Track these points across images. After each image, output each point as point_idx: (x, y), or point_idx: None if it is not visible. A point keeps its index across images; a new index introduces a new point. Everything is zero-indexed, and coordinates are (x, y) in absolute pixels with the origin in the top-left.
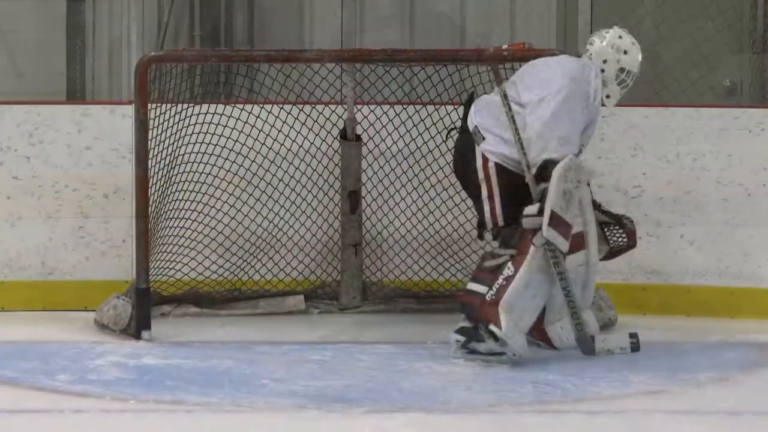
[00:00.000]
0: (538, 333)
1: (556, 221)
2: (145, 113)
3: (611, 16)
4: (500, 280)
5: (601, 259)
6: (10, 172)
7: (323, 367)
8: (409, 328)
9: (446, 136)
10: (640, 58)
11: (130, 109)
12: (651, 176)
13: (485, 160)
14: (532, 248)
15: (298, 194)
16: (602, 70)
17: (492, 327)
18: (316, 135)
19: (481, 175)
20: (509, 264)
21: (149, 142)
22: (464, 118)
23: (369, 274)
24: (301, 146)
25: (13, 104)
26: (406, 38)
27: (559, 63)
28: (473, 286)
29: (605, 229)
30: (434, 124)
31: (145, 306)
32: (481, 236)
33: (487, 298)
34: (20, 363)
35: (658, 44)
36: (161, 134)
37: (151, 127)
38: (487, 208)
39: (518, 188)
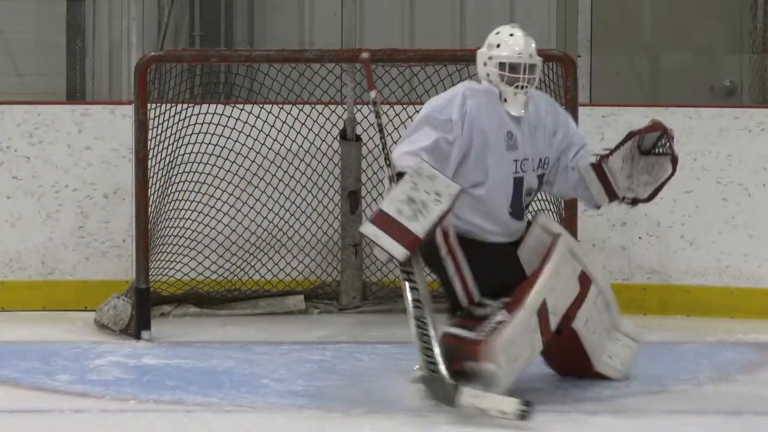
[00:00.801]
0: (593, 375)
1: (385, 221)
2: (145, 113)
3: (611, 16)
4: (493, 323)
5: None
6: (10, 172)
7: (323, 367)
8: (409, 328)
9: None
10: (521, 46)
11: (130, 109)
12: None
13: (445, 233)
14: (529, 301)
15: (298, 194)
16: (487, 75)
17: (487, 364)
18: (316, 135)
19: (443, 251)
20: (502, 310)
21: (149, 142)
22: None
23: (369, 274)
24: (301, 146)
25: (13, 104)
26: (406, 38)
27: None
28: (456, 331)
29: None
30: None
31: (145, 306)
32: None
33: (476, 338)
34: (20, 363)
35: (658, 44)
36: (161, 134)
37: (151, 127)
38: (458, 286)
39: (489, 254)
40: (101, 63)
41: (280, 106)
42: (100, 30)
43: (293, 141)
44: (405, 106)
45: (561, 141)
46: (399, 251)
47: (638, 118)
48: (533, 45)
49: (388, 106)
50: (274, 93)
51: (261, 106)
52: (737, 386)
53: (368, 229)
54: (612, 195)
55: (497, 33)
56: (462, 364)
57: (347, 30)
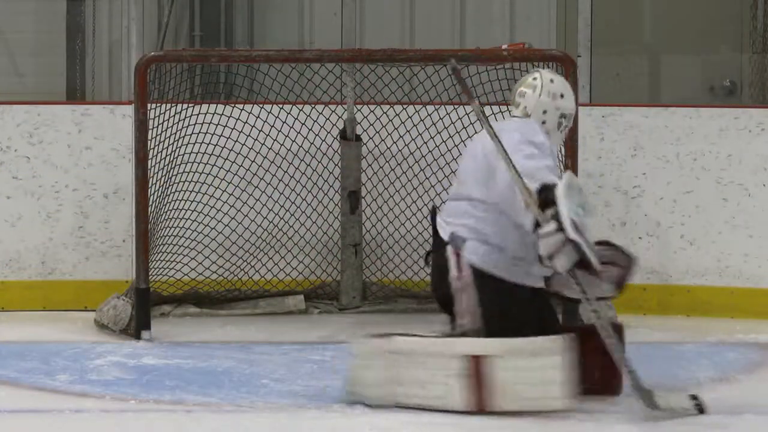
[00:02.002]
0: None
1: (579, 229)
2: (145, 113)
3: (611, 16)
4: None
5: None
6: (10, 172)
7: (323, 367)
8: (409, 328)
9: (425, 261)
10: (574, 97)
11: (130, 109)
12: (651, 176)
13: (460, 268)
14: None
15: (298, 194)
16: (543, 122)
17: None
18: (316, 135)
19: (456, 285)
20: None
21: (149, 142)
22: (435, 234)
23: (369, 274)
24: (301, 146)
25: (13, 104)
26: (406, 38)
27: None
28: None
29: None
30: (434, 124)
31: (145, 306)
32: None
33: None
34: (20, 363)
35: (658, 44)
36: (161, 134)
37: (151, 127)
38: (467, 319)
39: (502, 297)
40: (101, 63)
41: (280, 106)
42: (100, 30)
43: (293, 141)
44: (405, 106)
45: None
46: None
47: (638, 118)
48: None
49: (388, 106)
50: (274, 93)
51: (261, 106)
52: (737, 386)
53: (578, 275)
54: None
55: (552, 81)
56: None
57: (347, 30)
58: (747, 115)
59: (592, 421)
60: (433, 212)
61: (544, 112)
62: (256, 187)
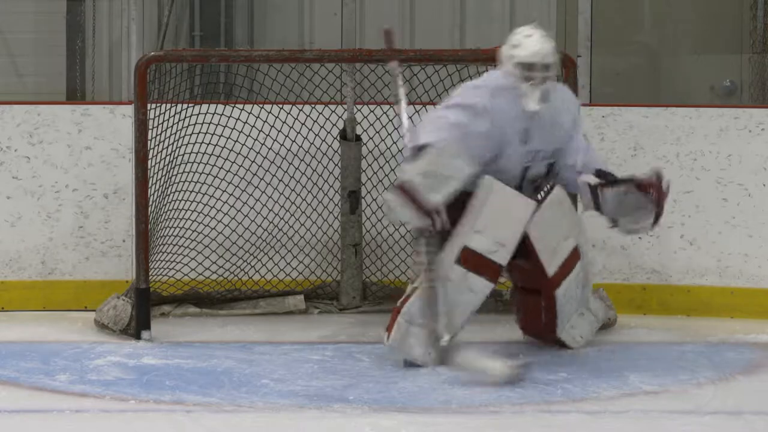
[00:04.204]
0: (551, 341)
1: (407, 191)
2: (145, 113)
3: (611, 16)
4: (408, 290)
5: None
6: (10, 172)
7: (323, 367)
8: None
9: None
10: (537, 47)
11: (130, 109)
12: None
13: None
14: (444, 256)
15: (298, 194)
16: (508, 72)
17: (384, 335)
18: (316, 135)
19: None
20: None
21: (149, 142)
22: None
23: (369, 274)
24: (301, 146)
25: (13, 104)
26: (406, 38)
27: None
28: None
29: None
30: None
31: (145, 306)
32: None
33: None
34: (20, 363)
35: (658, 44)
36: (161, 134)
37: (151, 127)
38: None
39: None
40: (101, 63)
41: (280, 106)
42: (100, 30)
43: (293, 141)
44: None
45: (573, 137)
46: (419, 220)
47: (638, 118)
48: (549, 44)
49: (388, 106)
50: (274, 93)
51: (261, 106)
52: (737, 386)
53: (390, 198)
54: (598, 211)
55: (517, 33)
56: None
57: (347, 30)
58: (747, 115)
59: (592, 420)
60: None
61: (506, 62)
62: (256, 187)
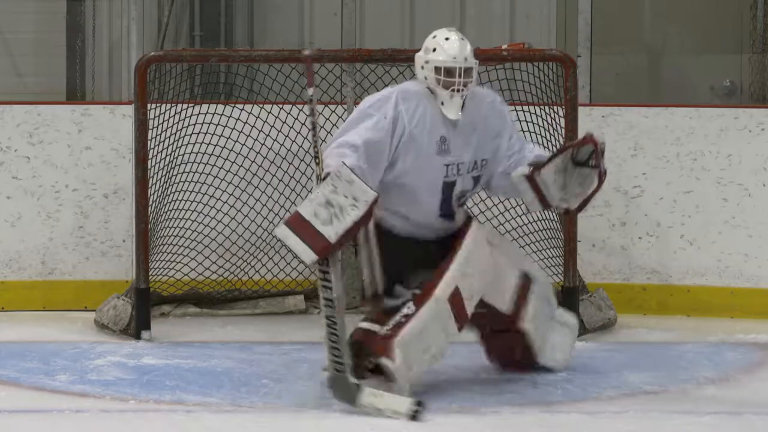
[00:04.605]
0: (536, 368)
1: (300, 224)
2: (145, 113)
3: (611, 16)
4: (398, 317)
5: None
6: (10, 172)
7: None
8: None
9: None
10: (455, 50)
11: (130, 109)
12: (651, 176)
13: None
14: (439, 291)
15: (298, 194)
16: (425, 78)
17: (384, 360)
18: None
19: (361, 237)
20: (410, 303)
21: (149, 142)
22: None
23: None
24: (301, 146)
25: (13, 104)
26: (406, 38)
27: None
28: (365, 326)
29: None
30: None
31: (145, 306)
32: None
33: (381, 332)
34: (20, 363)
35: (658, 44)
36: (161, 134)
37: (151, 127)
38: (366, 273)
39: (404, 248)
40: (101, 63)
41: (280, 106)
42: (100, 30)
43: (293, 141)
44: None
45: (501, 144)
46: (308, 255)
47: (638, 118)
48: (469, 48)
49: None
50: (274, 93)
51: (261, 106)
52: (737, 386)
53: (280, 231)
54: (545, 204)
55: (434, 37)
56: (367, 359)
57: (347, 30)
58: (747, 115)
59: (592, 420)
60: None
61: (422, 67)
62: (256, 187)
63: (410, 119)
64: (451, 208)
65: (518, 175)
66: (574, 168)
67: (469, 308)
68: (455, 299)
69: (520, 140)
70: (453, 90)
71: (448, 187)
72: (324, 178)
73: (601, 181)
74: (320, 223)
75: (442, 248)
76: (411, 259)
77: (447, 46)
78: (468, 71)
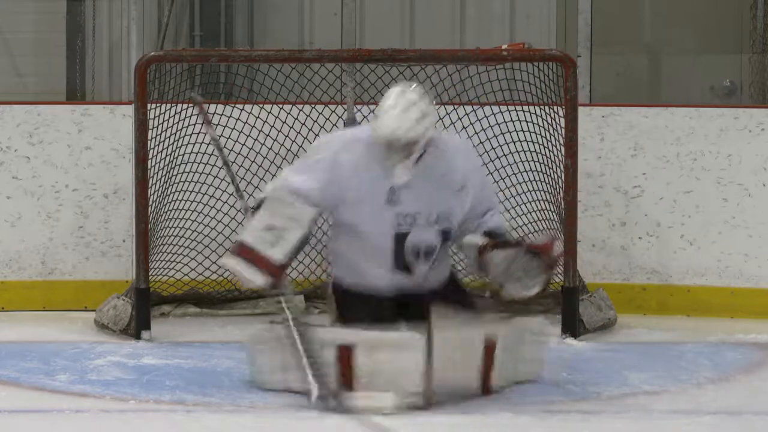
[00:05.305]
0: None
1: (246, 252)
2: (145, 113)
3: (611, 16)
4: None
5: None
6: (10, 172)
7: None
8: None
9: None
10: (394, 124)
11: (130, 109)
12: (651, 176)
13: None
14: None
15: None
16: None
17: None
18: (316, 135)
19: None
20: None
21: (149, 142)
22: None
23: None
24: (301, 146)
25: (13, 104)
26: (406, 38)
27: None
28: None
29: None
30: (434, 124)
31: (144, 306)
32: None
33: None
34: (20, 363)
35: (658, 44)
36: (161, 134)
37: (151, 127)
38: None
39: (356, 308)
40: (101, 63)
41: (280, 106)
42: (100, 30)
43: (293, 141)
44: None
45: (465, 200)
46: (262, 280)
47: (638, 118)
48: (414, 116)
49: None
50: (274, 93)
51: (261, 106)
52: (737, 386)
53: (229, 261)
54: (484, 274)
55: (386, 96)
56: None
57: (347, 30)
58: (747, 115)
59: (592, 420)
60: None
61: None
62: (256, 187)
63: (351, 169)
64: (407, 262)
65: (470, 244)
66: (524, 257)
67: None
68: None
69: (488, 200)
70: (397, 158)
71: (401, 237)
72: (259, 206)
73: (543, 289)
74: (267, 247)
75: (400, 307)
76: (365, 316)
77: (386, 118)
78: (411, 143)
